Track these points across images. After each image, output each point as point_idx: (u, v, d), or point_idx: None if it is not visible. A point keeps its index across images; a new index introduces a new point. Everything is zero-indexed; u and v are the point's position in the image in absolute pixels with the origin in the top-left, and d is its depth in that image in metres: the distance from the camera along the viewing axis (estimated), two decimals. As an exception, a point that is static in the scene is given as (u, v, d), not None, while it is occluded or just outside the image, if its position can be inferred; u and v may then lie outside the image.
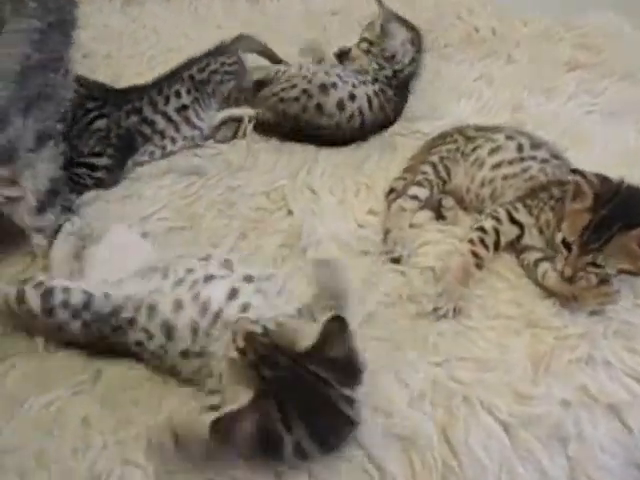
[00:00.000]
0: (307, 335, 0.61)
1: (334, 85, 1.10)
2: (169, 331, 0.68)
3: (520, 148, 0.96)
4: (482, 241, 0.87)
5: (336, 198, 1.00)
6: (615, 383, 0.73)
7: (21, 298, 0.71)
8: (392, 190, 1.01)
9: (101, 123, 0.99)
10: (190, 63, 1.12)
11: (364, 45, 1.18)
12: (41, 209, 0.77)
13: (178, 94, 1.07)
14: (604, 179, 0.81)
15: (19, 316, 0.72)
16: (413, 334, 0.78)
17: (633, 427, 0.69)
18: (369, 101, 1.11)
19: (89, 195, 0.95)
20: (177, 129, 1.05)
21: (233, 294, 0.71)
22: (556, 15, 1.52)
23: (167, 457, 0.61)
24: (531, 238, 0.87)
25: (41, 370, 0.73)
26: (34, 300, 0.70)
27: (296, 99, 1.08)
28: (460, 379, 0.73)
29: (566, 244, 0.80)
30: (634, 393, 0.72)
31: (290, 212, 0.97)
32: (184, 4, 1.47)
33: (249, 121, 1.11)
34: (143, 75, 1.13)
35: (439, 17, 1.55)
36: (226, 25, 1.38)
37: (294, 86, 1.10)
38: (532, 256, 0.87)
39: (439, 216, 0.97)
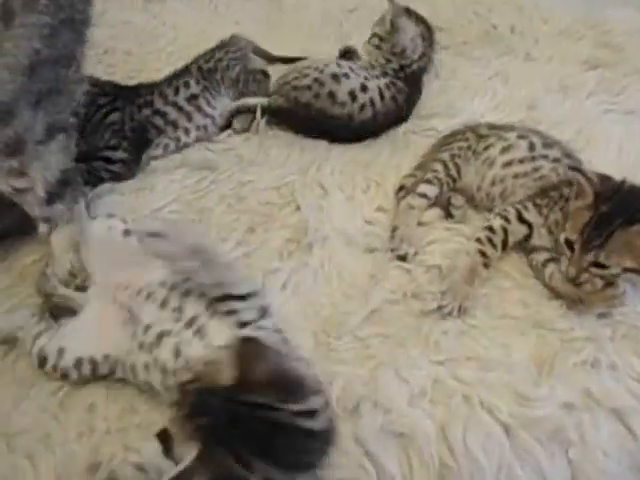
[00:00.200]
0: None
1: (346, 75, 1.09)
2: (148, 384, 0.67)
3: (532, 147, 0.94)
4: (490, 240, 0.85)
5: (345, 194, 1.00)
6: (621, 387, 0.71)
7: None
8: (402, 187, 1.00)
9: (115, 116, 1.01)
10: (196, 58, 1.13)
11: (375, 40, 1.17)
12: (50, 200, 0.78)
13: (187, 84, 1.08)
14: (604, 178, 0.79)
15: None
16: (416, 332, 0.77)
17: (638, 432, 0.67)
18: (380, 93, 1.10)
19: (103, 187, 0.96)
20: (189, 118, 1.06)
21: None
22: (577, 13, 1.49)
23: None
24: (540, 238, 0.86)
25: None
26: (33, 358, 0.72)
27: (308, 87, 1.08)
28: (461, 378, 0.72)
29: (569, 243, 0.78)
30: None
31: (299, 207, 0.96)
32: (204, 1, 1.48)
33: (262, 116, 1.11)
34: (161, 71, 1.14)
35: (457, 14, 1.53)
36: (244, 21, 1.38)
37: (306, 75, 1.09)
38: (541, 257, 0.85)
39: (448, 214, 0.95)
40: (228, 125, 1.12)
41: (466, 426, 0.67)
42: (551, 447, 0.66)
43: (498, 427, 0.67)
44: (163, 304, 0.69)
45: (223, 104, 1.11)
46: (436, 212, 0.96)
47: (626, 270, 0.76)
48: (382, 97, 1.10)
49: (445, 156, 0.99)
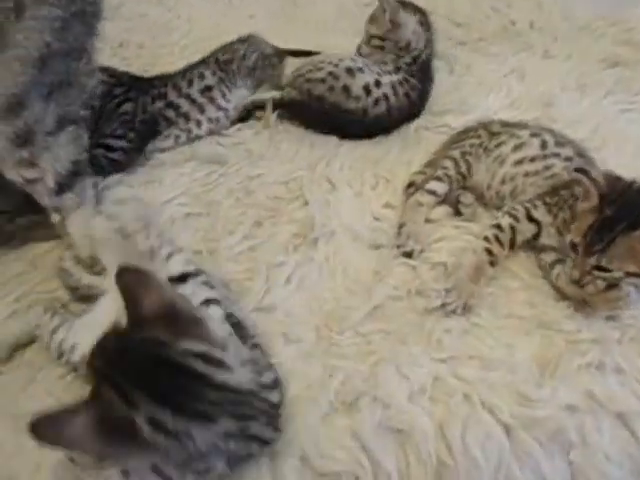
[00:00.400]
0: None
1: (360, 70, 1.10)
2: None
3: (544, 145, 0.94)
4: (497, 239, 0.85)
5: (353, 190, 1.00)
6: (626, 391, 0.70)
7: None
8: (411, 184, 1.00)
9: (127, 106, 1.02)
10: (214, 51, 1.15)
11: (375, 42, 1.16)
12: (59, 191, 0.80)
13: (202, 76, 1.09)
14: (612, 179, 0.78)
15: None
16: (419, 329, 0.78)
17: (641, 437, 0.67)
18: (394, 88, 1.10)
19: (112, 179, 0.98)
20: (202, 110, 1.07)
21: None
22: (599, 9, 1.46)
23: None
24: (548, 237, 0.85)
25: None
26: (52, 352, 0.73)
27: (322, 80, 1.08)
28: (463, 377, 0.72)
29: (573, 246, 0.77)
30: (646, 402, 0.69)
31: (306, 202, 0.97)
32: (220, -6, 1.50)
33: (274, 109, 1.12)
34: (175, 65, 1.16)
35: (475, 9, 1.52)
36: (258, 15, 1.39)
37: (320, 69, 1.10)
38: (549, 257, 0.85)
39: (457, 212, 0.95)
40: (241, 119, 1.13)
41: (465, 425, 0.67)
42: (551, 448, 0.66)
43: (498, 427, 0.67)
44: None
45: (239, 96, 1.12)
46: (445, 210, 0.96)
47: (629, 275, 0.75)
48: (396, 93, 1.10)
49: (456, 153, 0.99)
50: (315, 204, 0.96)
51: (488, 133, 1.00)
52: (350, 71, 1.09)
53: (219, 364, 0.55)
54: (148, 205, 0.87)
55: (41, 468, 0.64)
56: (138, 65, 1.15)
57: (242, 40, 1.18)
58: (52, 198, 0.81)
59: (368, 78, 1.09)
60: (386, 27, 1.15)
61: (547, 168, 0.91)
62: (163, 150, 1.06)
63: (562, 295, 0.82)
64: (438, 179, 0.96)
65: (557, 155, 0.92)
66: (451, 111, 1.16)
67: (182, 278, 0.71)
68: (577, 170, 0.85)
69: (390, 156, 1.07)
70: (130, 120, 1.02)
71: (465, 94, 1.20)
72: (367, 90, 1.08)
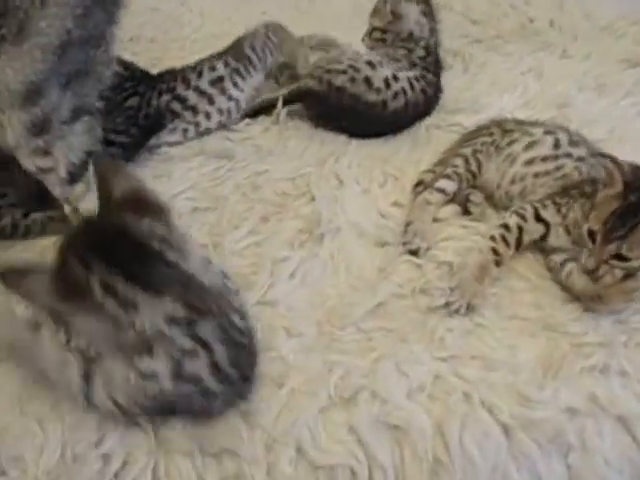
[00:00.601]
0: None
1: (380, 63, 1.12)
2: None
3: (557, 144, 0.94)
4: (504, 238, 0.86)
5: (361, 187, 1.02)
6: (629, 395, 0.70)
7: None
8: (420, 182, 1.01)
9: (133, 101, 1.06)
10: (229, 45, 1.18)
11: (377, 34, 1.19)
12: (71, 181, 0.83)
13: (213, 68, 1.12)
14: (636, 167, 0.78)
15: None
16: (421, 327, 0.79)
17: (643, 442, 0.68)
18: (411, 83, 1.12)
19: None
20: (211, 101, 1.10)
21: None
22: (623, 8, 1.46)
23: None
24: (557, 238, 0.86)
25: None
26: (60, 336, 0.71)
27: (344, 71, 1.10)
28: (463, 376, 0.73)
29: (591, 234, 0.78)
30: (649, 407, 0.70)
31: (313, 199, 0.99)
32: (233, -12, 1.53)
33: (286, 104, 1.14)
34: (184, 59, 1.19)
35: (492, 6, 1.54)
36: (271, 10, 1.42)
37: (341, 61, 1.12)
38: (559, 257, 0.85)
39: (465, 211, 0.97)
40: (250, 115, 1.16)
41: (463, 423, 0.68)
42: (550, 450, 0.67)
43: (497, 427, 0.68)
44: None
45: (254, 82, 1.14)
46: (453, 208, 0.97)
47: None
48: (412, 88, 1.12)
49: (467, 151, 1.00)
50: (322, 200, 0.98)
51: (501, 131, 1.01)
52: (371, 64, 1.11)
53: (175, 248, 0.60)
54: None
55: (44, 451, 0.67)
56: (147, 60, 1.18)
57: (266, 31, 1.20)
58: (64, 188, 0.83)
59: (387, 72, 1.11)
60: (387, 19, 1.17)
61: (558, 169, 0.92)
62: (171, 144, 1.09)
63: (572, 294, 0.82)
64: (447, 177, 0.97)
65: (569, 155, 0.93)
66: (463, 110, 1.17)
67: None
68: (602, 155, 0.85)
69: (400, 154, 1.09)
70: (134, 115, 1.05)
71: (478, 93, 1.22)
72: (387, 83, 1.10)
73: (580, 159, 0.92)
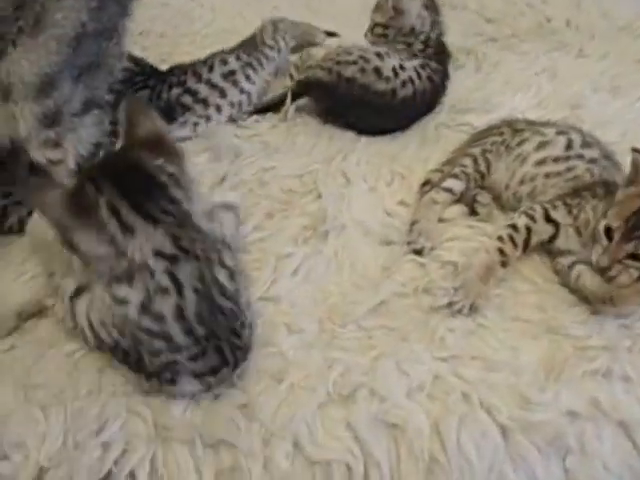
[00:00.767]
0: None
1: (387, 54, 1.15)
2: None
3: (569, 145, 0.95)
4: (511, 239, 0.86)
5: (368, 185, 1.03)
6: (631, 399, 0.71)
7: None
8: (427, 182, 1.02)
9: (143, 93, 1.07)
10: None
11: (378, 30, 1.21)
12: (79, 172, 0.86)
13: (224, 61, 1.14)
14: None
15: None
16: (423, 327, 0.80)
17: (644, 448, 0.68)
18: (417, 72, 1.14)
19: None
20: (223, 94, 1.11)
21: None
22: (640, 8, 1.46)
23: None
24: (567, 239, 0.86)
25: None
26: (66, 320, 0.77)
27: (354, 62, 1.12)
28: (463, 376, 0.74)
29: (609, 232, 0.78)
30: (651, 413, 0.70)
31: (320, 196, 1.01)
32: (245, -17, 1.55)
33: (294, 98, 1.16)
34: (193, 55, 1.21)
35: (508, 5, 1.55)
36: (282, 6, 1.44)
37: (350, 53, 1.14)
38: (567, 260, 0.86)
39: (472, 211, 0.98)
40: (258, 112, 1.18)
41: (461, 423, 0.69)
42: (548, 453, 0.67)
43: (495, 428, 0.69)
44: None
45: (266, 74, 1.17)
46: (460, 209, 0.98)
47: None
48: (419, 76, 1.14)
49: (476, 151, 1.01)
50: (328, 197, 0.99)
51: (512, 130, 1.02)
52: (379, 55, 1.14)
53: (182, 188, 0.67)
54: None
55: (47, 438, 0.70)
56: (156, 55, 1.20)
57: (272, 23, 1.23)
58: (72, 180, 0.86)
59: (394, 62, 1.14)
60: (389, 14, 1.19)
61: (569, 170, 0.92)
62: (181, 139, 1.11)
63: (581, 296, 0.82)
64: (455, 177, 0.98)
65: (581, 157, 0.93)
66: (474, 110, 1.18)
67: None
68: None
69: (408, 152, 1.10)
70: None
71: (490, 92, 1.23)
72: (395, 72, 1.12)
73: (592, 161, 0.92)
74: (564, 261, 0.86)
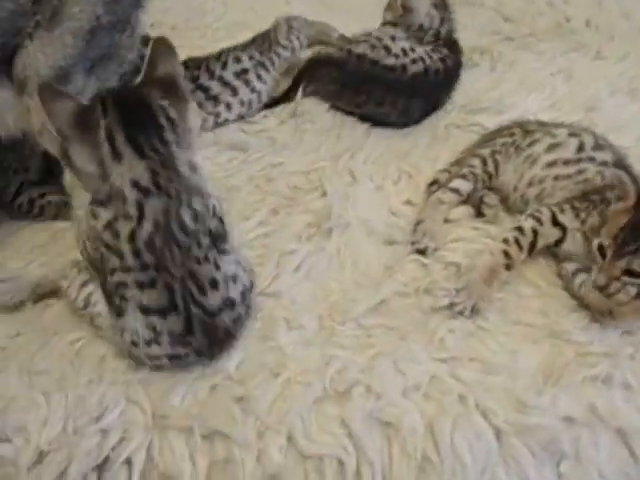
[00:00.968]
0: None
1: (400, 38, 1.19)
2: None
3: (581, 147, 0.95)
4: (517, 241, 0.87)
5: (374, 184, 1.05)
6: (630, 407, 0.72)
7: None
8: (435, 182, 1.04)
9: None
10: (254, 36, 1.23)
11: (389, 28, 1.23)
12: None
13: (238, 59, 1.17)
14: None
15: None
16: (422, 327, 0.82)
17: (640, 457, 0.69)
18: (428, 54, 1.18)
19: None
20: (234, 93, 1.14)
21: None
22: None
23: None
24: (574, 243, 0.87)
25: (73, 312, 0.85)
26: (78, 302, 0.81)
27: (365, 40, 1.18)
28: (461, 378, 0.75)
29: (602, 249, 0.79)
30: (650, 421, 0.71)
31: (325, 193, 1.03)
32: (257, -24, 1.57)
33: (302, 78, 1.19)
34: (204, 48, 1.23)
35: (528, 3, 1.55)
36: (294, 1, 1.46)
37: (361, 35, 1.20)
38: (571, 266, 0.87)
39: (478, 213, 0.99)
40: (270, 105, 1.20)
41: (456, 424, 0.70)
42: (542, 457, 0.68)
43: (490, 430, 0.70)
44: None
45: (277, 71, 1.19)
46: (466, 210, 0.99)
47: None
48: (430, 57, 1.18)
49: (485, 152, 1.02)
50: (334, 195, 1.01)
51: (523, 131, 1.03)
52: (392, 38, 1.19)
53: (176, 133, 0.73)
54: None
55: (48, 423, 0.73)
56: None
57: (287, 21, 1.26)
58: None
59: (405, 44, 1.18)
60: (398, 12, 1.22)
61: (579, 172, 0.93)
62: None
63: (583, 305, 0.83)
64: (463, 177, 1.00)
65: (592, 159, 0.94)
66: (486, 110, 1.19)
67: None
68: (619, 167, 0.86)
69: (416, 151, 1.12)
70: None
71: (503, 93, 1.23)
72: (404, 51, 1.17)
73: (604, 164, 0.93)
74: (569, 267, 0.87)
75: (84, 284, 0.81)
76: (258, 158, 1.10)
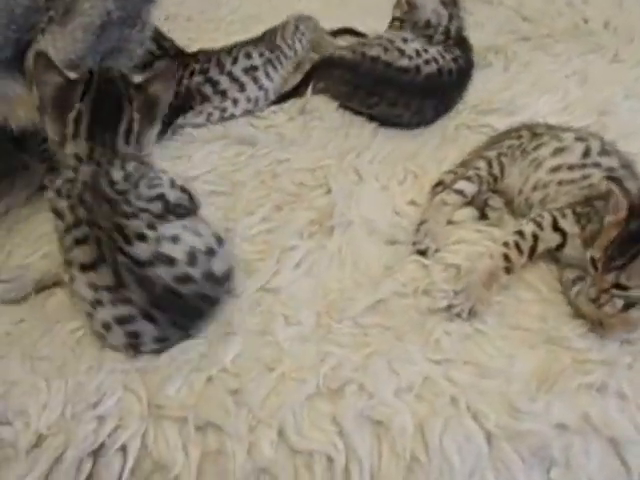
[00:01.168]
0: None
1: (412, 40, 1.20)
2: None
3: (587, 152, 0.95)
4: (517, 245, 0.87)
5: (380, 183, 1.05)
6: (624, 417, 0.71)
7: None
8: (440, 183, 1.04)
9: None
10: (264, 32, 1.24)
11: (396, 24, 1.24)
12: None
13: (248, 55, 1.18)
14: None
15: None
16: (419, 328, 0.82)
17: (632, 467, 0.69)
18: (440, 54, 1.19)
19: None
20: (242, 89, 1.16)
21: None
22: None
23: None
24: (574, 249, 0.86)
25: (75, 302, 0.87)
26: None
27: (378, 44, 1.18)
28: (454, 380, 0.76)
29: (593, 262, 0.79)
30: (643, 432, 0.71)
31: (329, 191, 1.04)
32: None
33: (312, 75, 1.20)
34: (218, 41, 1.25)
35: (547, 3, 1.53)
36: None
37: (374, 38, 1.22)
38: (572, 274, 0.86)
39: (483, 215, 0.99)
40: (280, 100, 1.21)
41: (446, 425, 0.71)
42: (532, 463, 0.69)
43: (480, 433, 0.70)
44: None
45: (284, 73, 1.20)
46: (470, 211, 0.99)
47: None
48: (443, 57, 1.18)
49: (491, 154, 1.02)
50: (338, 193, 1.02)
51: (530, 134, 1.02)
52: (404, 40, 1.19)
53: (129, 142, 0.83)
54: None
55: (47, 407, 0.75)
56: (182, 40, 1.24)
57: (295, 21, 1.26)
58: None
59: (417, 45, 1.19)
60: (404, 9, 1.23)
61: (584, 178, 0.92)
62: (195, 126, 1.15)
63: (580, 314, 0.83)
64: (468, 179, 0.99)
65: (598, 165, 0.93)
66: (497, 111, 1.19)
67: None
68: (610, 178, 0.86)
69: (424, 151, 1.12)
70: None
71: (515, 94, 1.23)
72: (418, 52, 1.17)
73: (609, 169, 0.92)
74: (569, 274, 0.86)
75: None
76: (265, 153, 1.11)
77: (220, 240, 0.83)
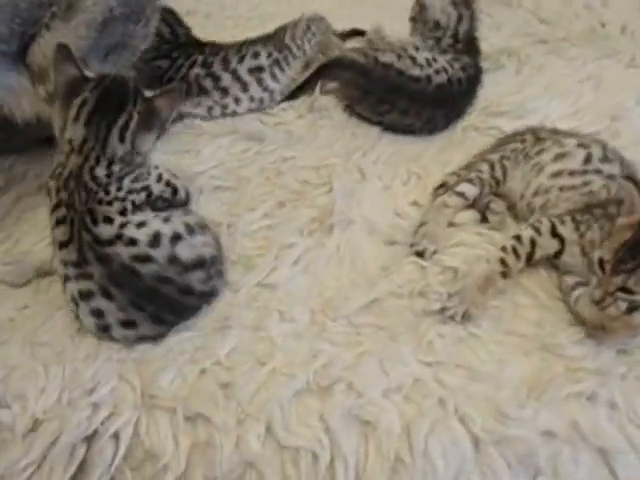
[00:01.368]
0: None
1: (423, 48, 1.19)
2: None
3: (588, 159, 0.93)
4: (514, 250, 0.86)
5: (382, 184, 1.05)
6: (614, 427, 0.70)
7: None
8: (443, 185, 1.03)
9: (162, 62, 1.13)
10: (274, 31, 1.23)
11: (411, 24, 1.23)
12: None
13: (256, 55, 1.18)
14: None
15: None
16: (413, 329, 0.82)
17: (621, 477, 0.67)
18: (449, 63, 1.17)
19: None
20: (245, 89, 1.16)
21: None
22: None
23: None
24: (572, 256, 0.85)
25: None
26: None
27: (391, 50, 1.17)
28: (444, 382, 0.75)
29: (602, 263, 0.77)
30: (633, 443, 0.69)
31: (332, 189, 1.04)
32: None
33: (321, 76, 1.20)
34: (236, 37, 1.25)
35: (565, 6, 1.51)
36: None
37: (387, 44, 1.20)
38: (571, 280, 0.85)
39: (484, 218, 0.98)
40: (290, 96, 1.21)
41: (432, 427, 0.70)
42: (518, 470, 0.68)
43: (466, 437, 0.70)
44: None
45: (292, 73, 1.20)
46: (472, 214, 0.98)
47: None
48: (452, 67, 1.17)
49: (494, 157, 1.01)
50: (340, 191, 1.02)
51: (534, 138, 1.01)
52: (416, 47, 1.18)
53: (123, 139, 0.86)
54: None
55: (45, 392, 0.77)
56: (200, 35, 1.24)
57: (308, 22, 1.26)
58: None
59: (427, 55, 1.17)
60: (415, 9, 1.22)
61: (585, 184, 0.91)
62: (198, 117, 1.15)
63: (578, 319, 0.82)
64: (470, 181, 0.99)
65: (599, 172, 0.91)
66: (506, 113, 1.17)
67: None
68: (627, 178, 0.84)
69: (429, 153, 1.11)
70: (159, 76, 1.12)
71: (527, 97, 1.21)
72: (428, 62, 1.16)
73: (610, 177, 0.90)
74: (569, 280, 0.85)
75: None
76: (272, 150, 1.12)
77: (191, 230, 0.85)
